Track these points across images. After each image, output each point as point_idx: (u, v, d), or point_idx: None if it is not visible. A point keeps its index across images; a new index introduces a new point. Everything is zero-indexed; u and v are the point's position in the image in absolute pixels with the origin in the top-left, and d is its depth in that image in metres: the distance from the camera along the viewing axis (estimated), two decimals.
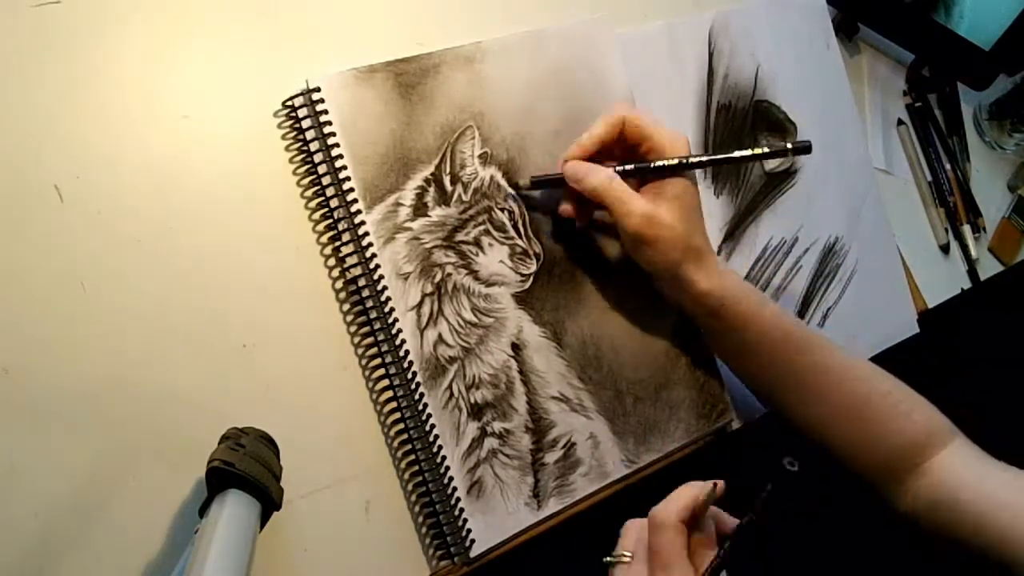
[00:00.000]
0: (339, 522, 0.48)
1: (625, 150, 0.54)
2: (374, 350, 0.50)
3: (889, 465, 0.53)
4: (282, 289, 0.49)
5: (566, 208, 0.54)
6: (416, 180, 0.51)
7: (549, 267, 0.55)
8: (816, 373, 0.53)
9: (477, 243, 0.53)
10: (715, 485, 0.43)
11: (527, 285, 0.54)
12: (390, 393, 0.50)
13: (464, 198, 0.53)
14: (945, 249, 0.81)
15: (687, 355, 0.60)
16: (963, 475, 0.51)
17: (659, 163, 0.52)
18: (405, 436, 0.50)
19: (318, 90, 0.48)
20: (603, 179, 0.50)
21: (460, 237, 0.52)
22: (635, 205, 0.50)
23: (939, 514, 0.51)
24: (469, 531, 0.50)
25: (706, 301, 0.52)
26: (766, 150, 0.52)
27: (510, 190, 0.53)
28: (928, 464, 0.52)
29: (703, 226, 0.53)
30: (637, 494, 0.57)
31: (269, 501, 0.40)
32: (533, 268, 0.54)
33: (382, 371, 0.50)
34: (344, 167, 0.49)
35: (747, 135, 0.67)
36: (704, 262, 0.52)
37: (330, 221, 0.50)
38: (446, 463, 0.50)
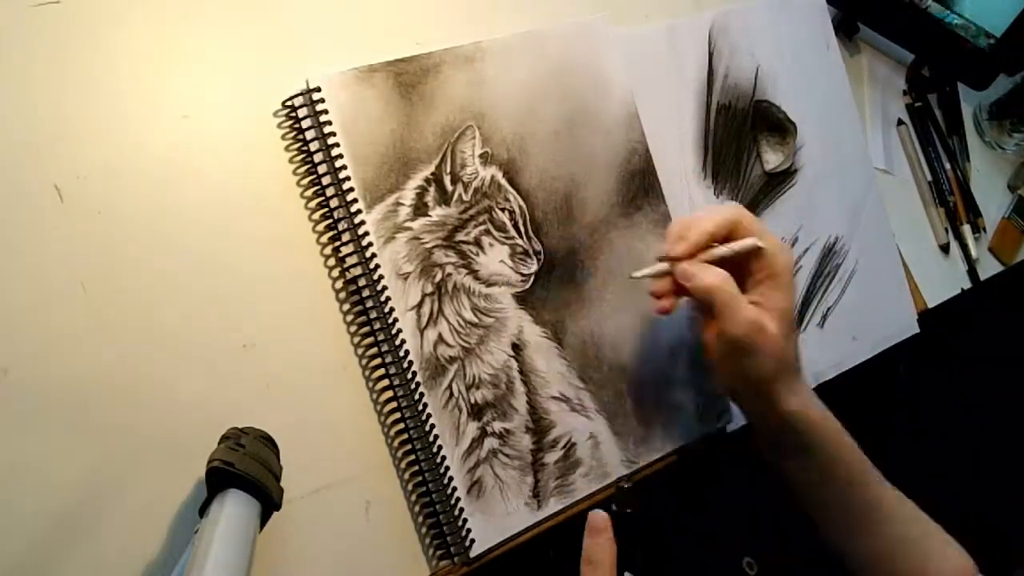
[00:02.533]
0: (339, 522, 0.48)
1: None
2: (374, 350, 0.50)
3: None
4: (282, 289, 0.49)
5: (663, 306, 0.51)
6: (416, 180, 0.51)
7: (549, 267, 0.55)
8: (870, 508, 0.53)
9: (477, 243, 0.53)
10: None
11: (527, 285, 0.54)
12: (390, 393, 0.50)
13: (464, 198, 0.53)
14: (945, 249, 0.81)
15: (687, 355, 0.60)
16: None
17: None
18: (405, 436, 0.50)
19: (318, 90, 0.48)
20: (719, 280, 0.48)
21: (460, 237, 0.52)
22: (746, 312, 0.48)
23: None
24: (469, 531, 0.50)
25: (790, 420, 0.51)
26: None
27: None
28: None
29: (797, 341, 0.51)
30: (636, 495, 0.57)
31: (269, 501, 0.40)
32: (533, 268, 0.54)
33: (382, 371, 0.50)
34: (344, 167, 0.49)
35: (747, 135, 0.67)
36: (795, 380, 0.51)
37: (330, 221, 0.50)
38: (446, 463, 0.50)
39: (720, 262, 0.50)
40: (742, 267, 0.51)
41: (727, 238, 0.50)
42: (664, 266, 0.50)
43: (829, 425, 0.52)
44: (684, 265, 0.49)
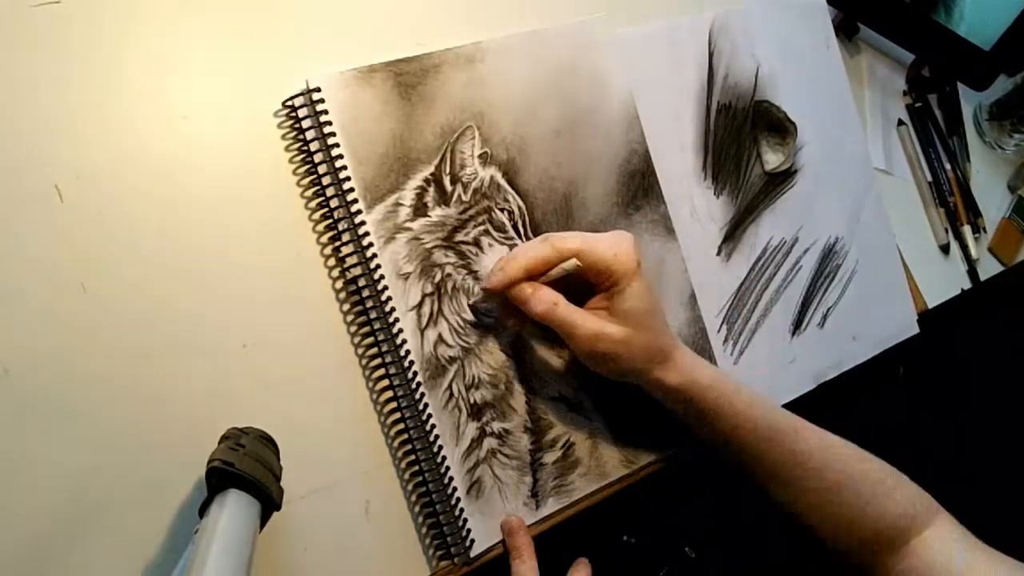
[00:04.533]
0: (339, 522, 0.48)
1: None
2: (374, 350, 0.50)
3: (872, 547, 0.52)
4: (282, 289, 0.49)
5: (512, 323, 0.53)
6: (416, 180, 0.51)
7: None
8: (796, 460, 0.52)
9: (477, 243, 0.53)
10: None
11: None
12: (390, 393, 0.50)
13: (464, 198, 0.53)
14: (945, 249, 0.81)
15: None
16: (946, 558, 0.50)
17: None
18: (405, 436, 0.50)
19: (318, 90, 0.48)
20: (547, 306, 0.49)
21: (460, 237, 0.52)
22: (581, 328, 0.49)
23: None
24: (469, 531, 0.50)
25: (678, 395, 0.52)
26: None
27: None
28: (910, 545, 0.51)
29: (664, 325, 0.52)
30: (635, 494, 0.57)
31: (269, 501, 0.40)
32: None
33: (382, 371, 0.50)
34: (344, 167, 0.49)
35: (747, 135, 0.67)
36: (672, 360, 0.51)
37: (330, 221, 0.50)
38: (446, 463, 0.50)
39: (572, 283, 0.51)
40: (591, 282, 0.51)
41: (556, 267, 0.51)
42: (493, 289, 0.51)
43: (722, 389, 0.52)
44: (515, 289, 0.50)
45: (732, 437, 0.52)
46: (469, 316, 0.52)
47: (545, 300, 0.50)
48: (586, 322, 0.50)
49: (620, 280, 0.50)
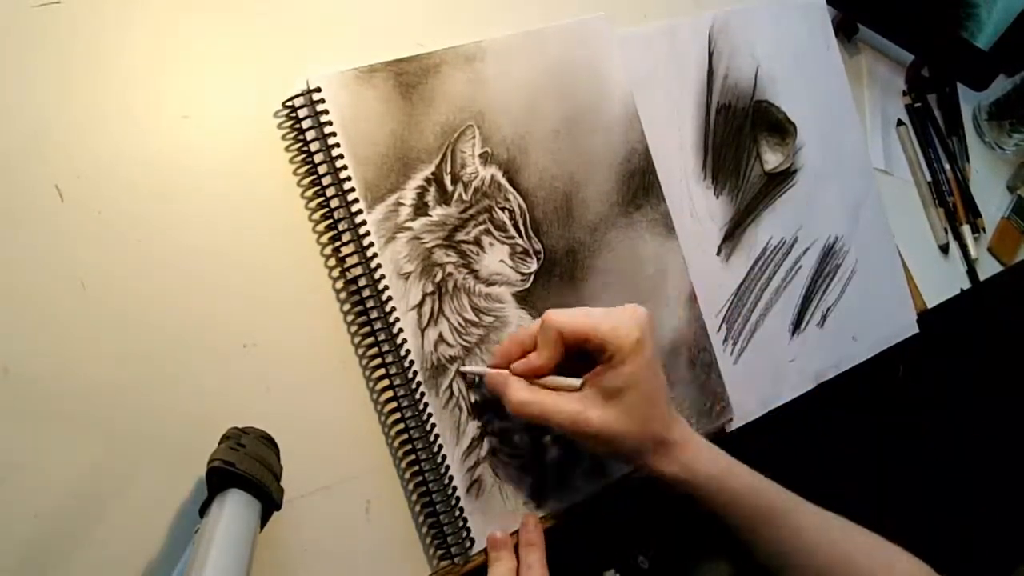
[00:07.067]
0: (339, 522, 0.48)
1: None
2: (374, 350, 0.50)
3: None
4: (282, 289, 0.49)
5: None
6: (417, 180, 0.51)
7: (549, 266, 0.55)
8: (795, 538, 0.51)
9: (478, 242, 0.53)
10: None
11: (528, 284, 0.54)
12: (390, 393, 0.50)
13: (465, 197, 0.53)
14: (945, 249, 0.81)
15: (687, 353, 0.60)
16: None
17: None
18: (405, 436, 0.50)
19: (318, 90, 0.48)
20: (515, 402, 0.48)
21: (461, 236, 0.52)
22: (556, 416, 0.48)
23: None
24: (469, 530, 0.50)
25: (676, 488, 0.50)
26: None
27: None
28: None
29: (661, 409, 0.49)
30: (637, 492, 0.57)
31: (269, 501, 0.40)
32: (533, 267, 0.55)
33: (382, 371, 0.50)
34: (344, 167, 0.49)
35: (747, 135, 0.67)
36: (667, 448, 0.49)
37: (330, 221, 0.50)
38: (446, 462, 0.50)
39: (569, 354, 0.49)
40: (592, 355, 0.49)
41: (574, 344, 0.49)
42: (484, 369, 0.51)
43: (717, 484, 0.50)
44: (489, 377, 0.50)
45: (737, 522, 0.50)
46: (470, 315, 0.52)
47: (513, 397, 0.48)
48: (560, 409, 0.48)
49: (614, 356, 0.47)
